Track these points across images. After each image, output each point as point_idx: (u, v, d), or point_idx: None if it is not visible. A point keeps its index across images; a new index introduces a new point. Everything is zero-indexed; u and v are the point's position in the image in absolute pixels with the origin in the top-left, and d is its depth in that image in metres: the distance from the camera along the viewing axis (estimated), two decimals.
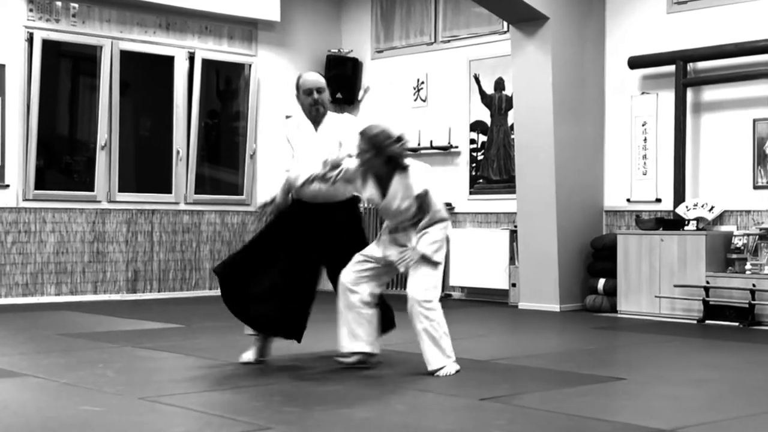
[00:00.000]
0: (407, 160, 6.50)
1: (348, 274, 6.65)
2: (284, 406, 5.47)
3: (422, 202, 6.44)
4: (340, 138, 6.90)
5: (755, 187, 10.48)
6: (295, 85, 7.09)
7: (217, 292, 12.91)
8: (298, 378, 6.40)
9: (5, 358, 7.24)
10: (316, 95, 6.97)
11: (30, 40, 11.76)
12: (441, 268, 6.54)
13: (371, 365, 6.73)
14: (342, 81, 13.78)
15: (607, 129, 11.71)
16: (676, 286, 10.33)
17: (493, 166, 12.57)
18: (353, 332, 6.64)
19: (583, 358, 7.62)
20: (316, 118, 7.03)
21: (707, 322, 10.06)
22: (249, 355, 7.04)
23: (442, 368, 6.47)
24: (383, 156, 6.41)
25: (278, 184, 6.89)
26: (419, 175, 6.45)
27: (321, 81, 7.03)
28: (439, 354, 6.50)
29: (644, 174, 11.30)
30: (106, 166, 12.28)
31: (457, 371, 6.52)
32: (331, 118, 7.06)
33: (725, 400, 5.90)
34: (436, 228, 6.44)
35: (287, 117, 7.83)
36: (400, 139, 6.46)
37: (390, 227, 6.67)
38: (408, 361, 7.05)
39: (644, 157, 11.30)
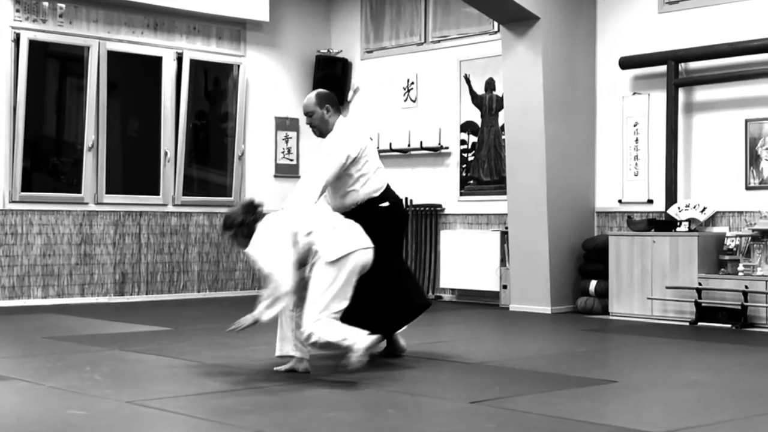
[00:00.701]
0: (257, 227, 6.54)
1: None
2: (273, 410, 5.45)
3: None
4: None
5: (747, 188, 10.43)
6: None
7: (205, 294, 12.97)
8: (286, 381, 6.35)
9: None
10: (307, 120, 7.43)
11: (17, 40, 11.68)
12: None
13: (304, 370, 6.65)
14: (331, 81, 13.68)
15: (598, 130, 11.67)
16: (668, 287, 10.30)
17: (484, 167, 12.52)
18: (284, 335, 6.66)
19: (575, 361, 7.60)
20: (319, 136, 7.44)
21: (699, 324, 10.00)
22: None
23: (363, 344, 6.29)
24: (239, 239, 6.61)
25: None
26: (253, 243, 6.48)
27: (308, 105, 7.38)
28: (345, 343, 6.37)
29: (636, 175, 11.27)
30: (93, 167, 12.20)
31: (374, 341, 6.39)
32: (337, 127, 7.36)
33: (718, 402, 5.88)
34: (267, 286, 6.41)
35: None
36: (247, 209, 6.61)
37: None
38: (397, 364, 7.05)
39: (636, 157, 11.27)
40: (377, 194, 7.27)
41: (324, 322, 6.29)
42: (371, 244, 6.60)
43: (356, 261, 6.45)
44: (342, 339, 6.27)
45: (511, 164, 11.44)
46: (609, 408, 5.77)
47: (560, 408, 5.52)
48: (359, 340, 6.25)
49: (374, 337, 6.33)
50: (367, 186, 7.22)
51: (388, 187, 7.40)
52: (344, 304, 6.41)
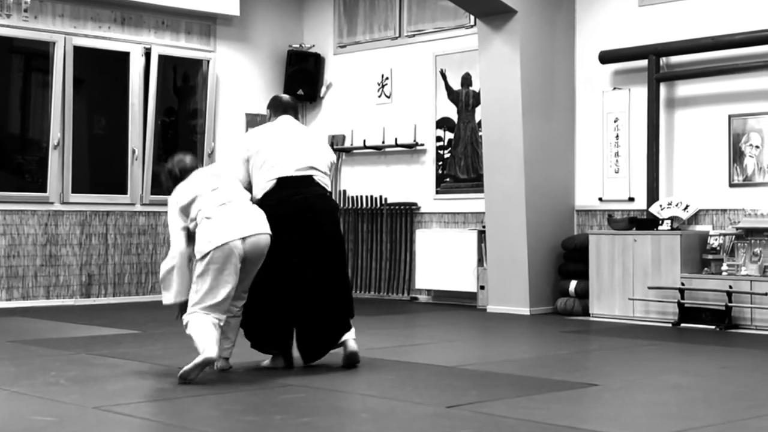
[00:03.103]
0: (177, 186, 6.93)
1: None
2: (243, 415, 5.44)
3: None
4: None
5: (731, 185, 10.38)
6: None
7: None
8: (258, 386, 6.30)
9: None
10: None
11: None
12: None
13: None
14: (304, 77, 13.80)
15: (577, 126, 11.60)
16: (650, 288, 10.23)
17: (461, 165, 12.43)
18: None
19: (554, 364, 7.55)
20: None
21: (682, 325, 9.96)
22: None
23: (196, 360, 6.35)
24: (167, 181, 7.09)
25: None
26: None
27: None
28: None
29: (616, 172, 11.19)
30: (59, 166, 12.07)
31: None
32: None
33: (701, 406, 5.85)
34: None
35: None
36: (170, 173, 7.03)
37: None
38: (371, 367, 7.04)
39: (616, 154, 11.19)
40: (261, 197, 6.91)
41: (196, 316, 6.39)
42: (258, 231, 6.54)
43: (225, 253, 6.40)
44: (197, 342, 6.35)
45: (489, 161, 11.36)
46: (589, 412, 5.73)
47: (539, 412, 5.46)
48: (203, 351, 6.28)
49: (205, 357, 6.24)
50: (255, 189, 6.93)
51: (280, 185, 6.88)
52: (220, 296, 6.39)
